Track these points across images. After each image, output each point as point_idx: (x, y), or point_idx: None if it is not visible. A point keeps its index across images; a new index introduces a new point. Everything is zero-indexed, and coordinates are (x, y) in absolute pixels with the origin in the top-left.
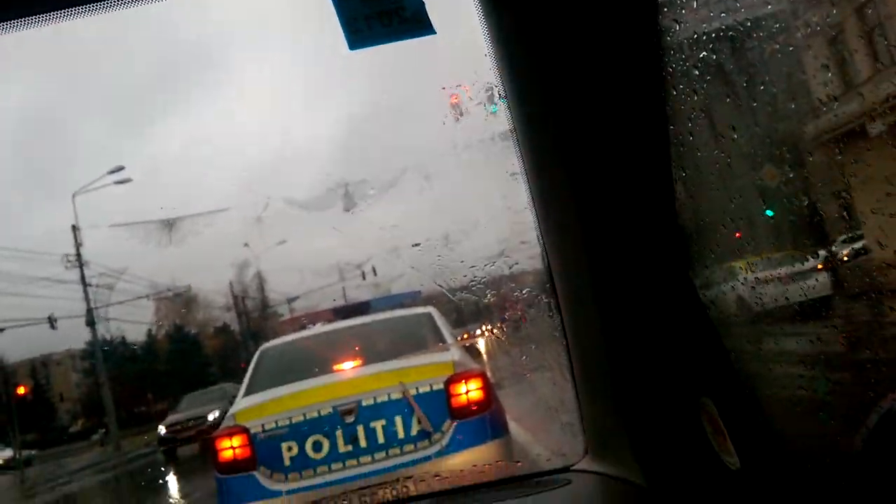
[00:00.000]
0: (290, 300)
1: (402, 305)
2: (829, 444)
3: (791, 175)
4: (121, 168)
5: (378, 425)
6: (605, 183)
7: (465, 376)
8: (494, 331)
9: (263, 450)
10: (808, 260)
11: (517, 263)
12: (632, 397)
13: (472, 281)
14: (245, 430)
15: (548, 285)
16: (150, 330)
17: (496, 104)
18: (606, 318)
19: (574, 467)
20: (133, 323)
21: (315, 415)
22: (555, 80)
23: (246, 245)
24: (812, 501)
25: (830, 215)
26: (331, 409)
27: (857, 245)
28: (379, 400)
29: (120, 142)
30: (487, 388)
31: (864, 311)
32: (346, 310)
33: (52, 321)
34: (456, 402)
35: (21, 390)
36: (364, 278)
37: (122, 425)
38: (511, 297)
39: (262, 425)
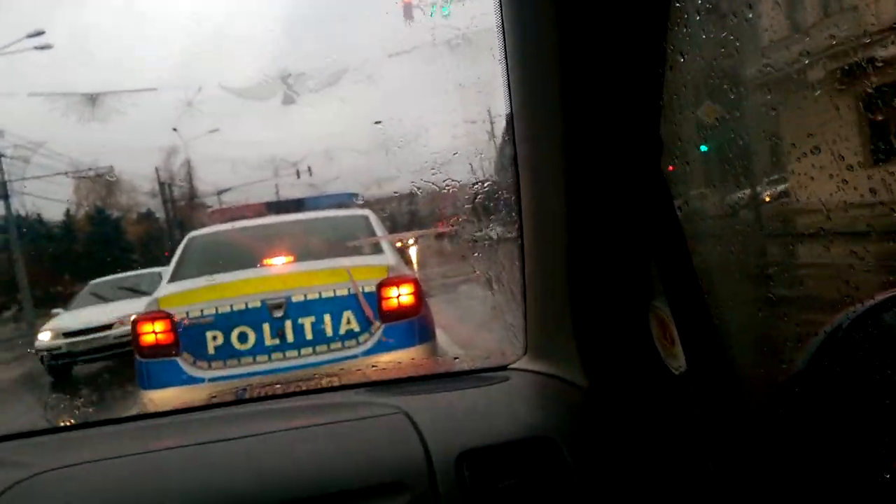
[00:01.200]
0: (221, 192)
1: (339, 206)
2: (774, 363)
3: (727, 114)
4: (41, 32)
5: (307, 322)
6: (588, 98)
7: (398, 281)
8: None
9: (187, 336)
10: (733, 197)
11: (450, 179)
12: (581, 297)
13: (410, 189)
14: (168, 316)
15: (511, 181)
16: (68, 209)
17: (448, 6)
18: (571, 220)
19: (512, 366)
20: (50, 200)
21: (242, 306)
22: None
23: (175, 130)
24: (752, 414)
25: (760, 156)
26: (259, 303)
27: (781, 187)
28: (309, 297)
29: (42, 4)
30: (419, 293)
31: (778, 251)
32: (280, 205)
33: None
34: (386, 304)
35: None
36: (299, 177)
37: (38, 304)
38: (446, 207)
39: (187, 312)
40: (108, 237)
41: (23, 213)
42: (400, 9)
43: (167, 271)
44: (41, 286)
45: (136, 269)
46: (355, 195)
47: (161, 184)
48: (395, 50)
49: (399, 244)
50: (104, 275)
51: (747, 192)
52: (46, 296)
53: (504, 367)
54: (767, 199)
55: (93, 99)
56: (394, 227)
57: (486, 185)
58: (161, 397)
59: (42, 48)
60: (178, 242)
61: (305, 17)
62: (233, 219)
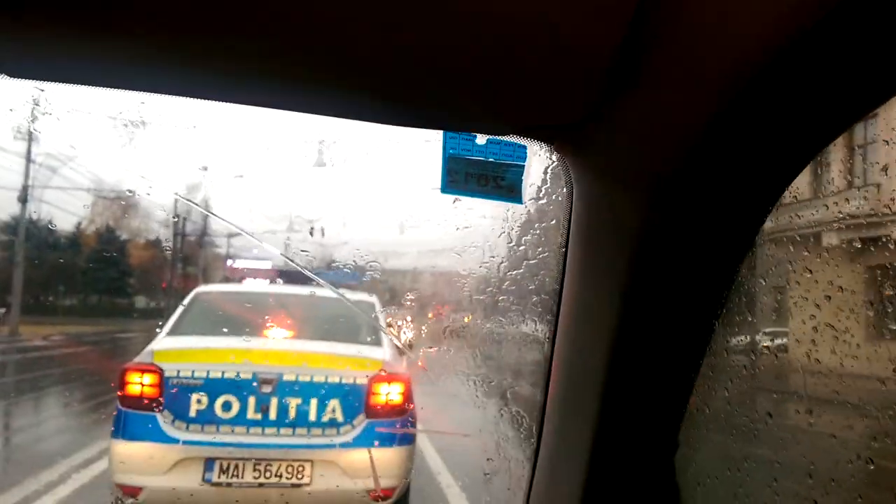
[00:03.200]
0: (231, 235)
1: (345, 286)
2: None
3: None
4: None
5: (292, 402)
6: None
7: (390, 378)
8: (421, 327)
9: (172, 394)
10: (730, 342)
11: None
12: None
13: (414, 271)
14: (159, 370)
15: (552, 303)
16: (80, 223)
17: None
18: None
19: None
20: (65, 212)
21: (233, 375)
22: None
23: (204, 169)
24: None
25: (765, 305)
26: (250, 375)
27: (780, 341)
28: (301, 378)
29: None
30: (408, 394)
31: (764, 404)
32: (291, 274)
33: None
34: (374, 400)
35: None
36: (312, 235)
37: (25, 311)
38: (445, 297)
39: (178, 370)
40: (111, 258)
41: (35, 217)
42: None
43: (168, 322)
44: (32, 293)
45: (130, 294)
46: (360, 276)
47: (177, 215)
48: (432, 138)
49: (397, 322)
50: (98, 292)
51: (746, 338)
52: (36, 304)
53: None
54: (765, 349)
55: (133, 126)
56: (392, 297)
57: (499, 280)
58: (130, 451)
59: None
60: (177, 275)
61: None
62: (240, 277)
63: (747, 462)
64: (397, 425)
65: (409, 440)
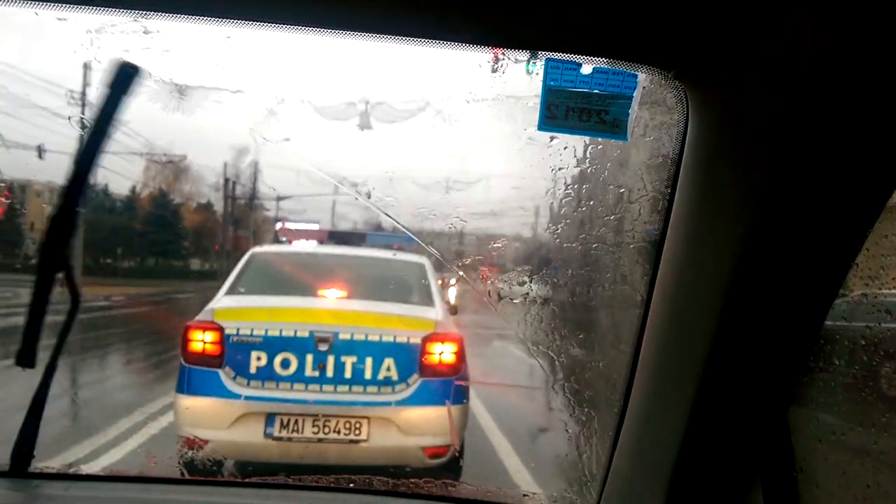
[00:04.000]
0: (280, 198)
1: (398, 247)
2: None
3: None
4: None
5: (348, 360)
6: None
7: (443, 337)
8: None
9: (232, 351)
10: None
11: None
12: (697, 457)
13: (461, 231)
14: (220, 328)
15: (645, 278)
16: (134, 187)
17: (535, 63)
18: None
19: None
20: (120, 176)
21: (291, 334)
22: None
23: (251, 131)
24: None
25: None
26: (307, 333)
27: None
28: (356, 337)
29: None
30: (461, 353)
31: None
32: (341, 236)
33: (40, 151)
34: (428, 359)
35: None
36: (356, 198)
37: (86, 272)
38: (491, 257)
39: (238, 328)
40: (166, 220)
41: (91, 181)
42: (489, 61)
43: (226, 282)
44: (92, 256)
45: (185, 256)
46: (411, 238)
47: (226, 179)
48: (477, 97)
49: (440, 282)
50: (154, 254)
51: None
52: (97, 266)
53: None
54: None
55: (182, 90)
56: (438, 263)
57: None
58: (195, 405)
59: (146, 33)
60: (229, 237)
61: (394, 50)
62: (290, 237)
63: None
64: (451, 383)
65: (462, 399)
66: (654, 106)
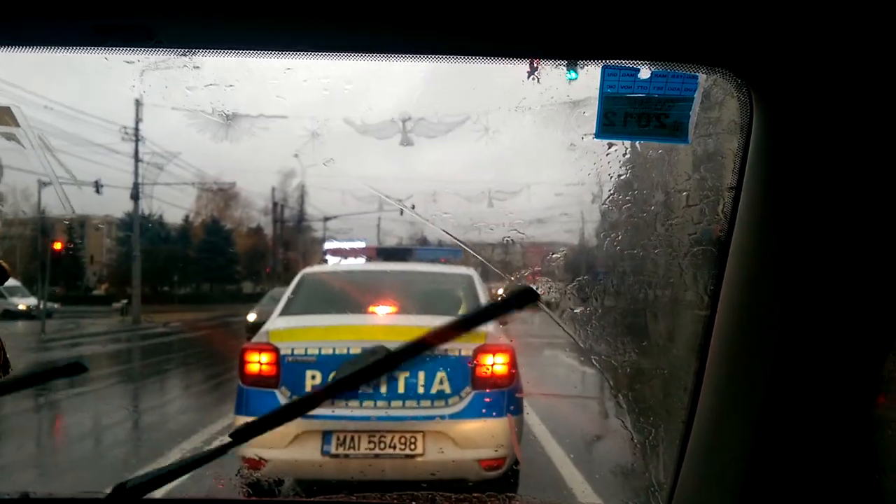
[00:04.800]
0: (327, 218)
1: (444, 260)
2: None
3: None
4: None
5: (401, 376)
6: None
7: (495, 349)
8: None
9: (288, 371)
10: None
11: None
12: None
13: (506, 241)
14: (275, 349)
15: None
16: (187, 216)
17: (576, 71)
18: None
19: None
20: (173, 206)
21: (344, 351)
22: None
23: (296, 156)
24: None
25: None
26: (359, 350)
27: None
28: None
29: None
30: (513, 364)
31: None
32: (389, 252)
33: (98, 186)
34: (480, 371)
35: (57, 245)
36: (402, 214)
37: (145, 300)
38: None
39: (293, 349)
40: (219, 247)
41: (147, 212)
42: (525, 70)
43: (279, 303)
44: (150, 284)
45: (237, 280)
46: (458, 252)
47: (275, 203)
48: (517, 106)
49: (490, 293)
50: (209, 280)
51: None
52: (154, 294)
53: None
54: None
55: (229, 119)
56: (484, 273)
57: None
58: None
59: (194, 67)
60: (280, 260)
61: (433, 66)
62: (340, 256)
63: None
64: (504, 395)
65: (516, 410)
66: (714, 107)
